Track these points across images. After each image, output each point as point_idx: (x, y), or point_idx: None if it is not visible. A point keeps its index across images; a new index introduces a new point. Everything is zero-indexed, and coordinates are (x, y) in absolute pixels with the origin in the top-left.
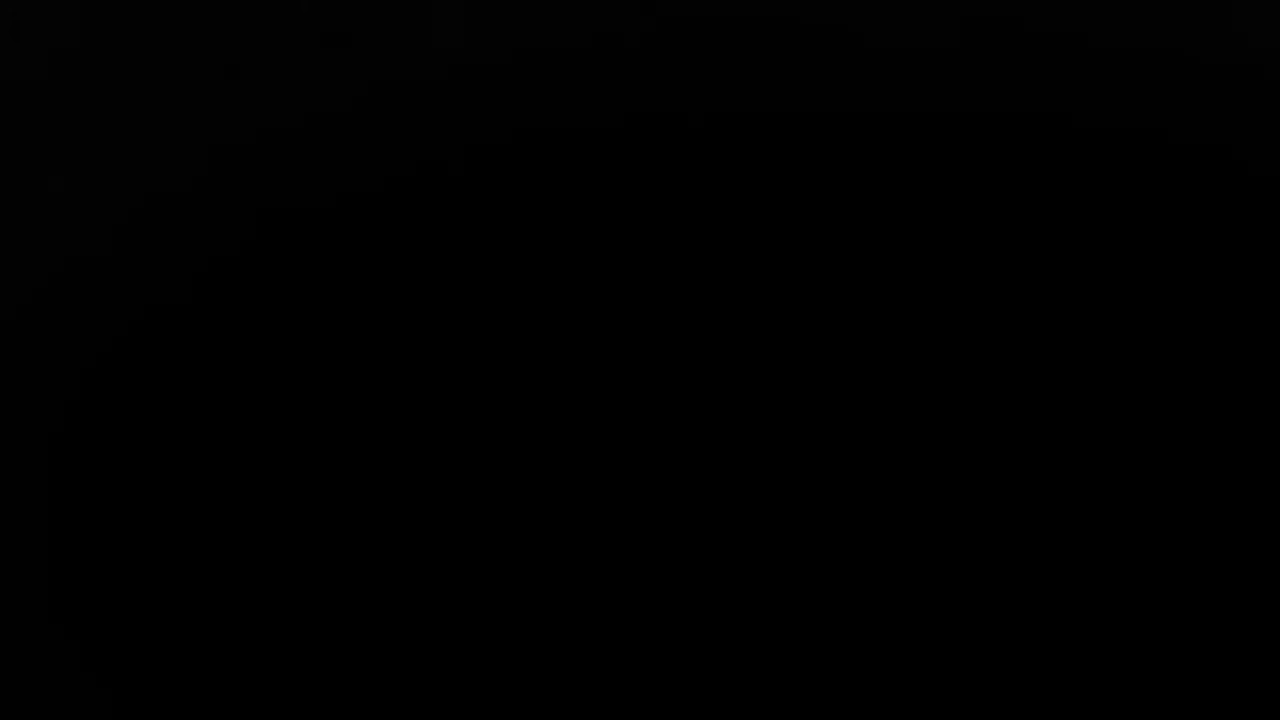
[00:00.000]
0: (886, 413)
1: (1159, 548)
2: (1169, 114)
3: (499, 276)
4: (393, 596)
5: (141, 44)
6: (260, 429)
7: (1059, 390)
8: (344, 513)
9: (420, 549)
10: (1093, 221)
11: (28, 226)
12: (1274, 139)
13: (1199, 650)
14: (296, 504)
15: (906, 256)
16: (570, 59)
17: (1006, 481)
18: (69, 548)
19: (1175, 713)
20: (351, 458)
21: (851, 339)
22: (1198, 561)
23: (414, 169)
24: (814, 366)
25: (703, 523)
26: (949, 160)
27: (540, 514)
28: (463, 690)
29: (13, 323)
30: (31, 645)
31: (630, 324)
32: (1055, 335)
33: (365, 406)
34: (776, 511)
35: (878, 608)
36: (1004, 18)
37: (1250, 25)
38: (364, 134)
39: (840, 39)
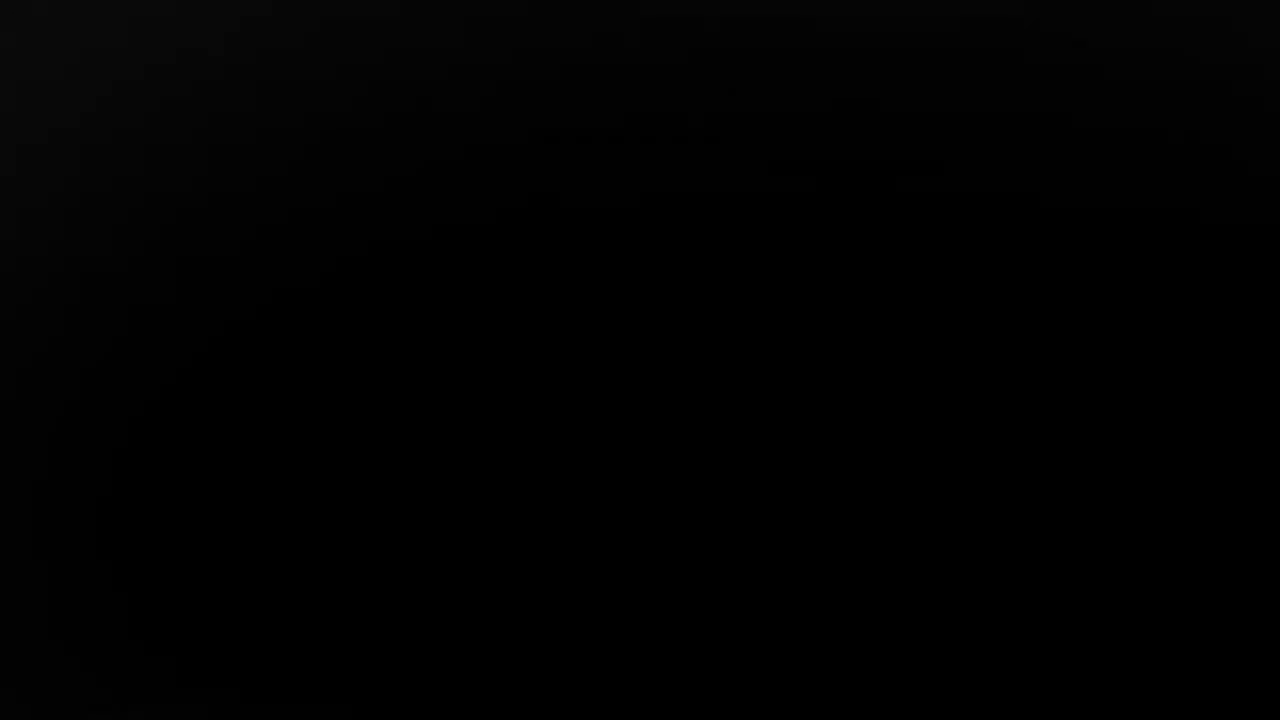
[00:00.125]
0: (886, 412)
1: (1159, 548)
2: (1169, 114)
3: (499, 276)
4: (393, 597)
5: (141, 44)
6: (261, 429)
7: (1059, 391)
8: (344, 513)
9: (420, 549)
10: (1092, 222)
11: (28, 226)
12: (1274, 139)
13: (1199, 650)
14: (296, 504)
15: (906, 256)
16: (570, 59)
17: (1007, 481)
18: (69, 548)
19: (1175, 713)
20: (351, 458)
21: (851, 339)
22: (1198, 562)
23: (414, 169)
24: (814, 366)
25: (703, 523)
26: (949, 160)
27: (541, 514)
28: (463, 691)
29: (13, 323)
30: (32, 645)
31: (630, 324)
32: (1055, 336)
33: (366, 407)
34: (777, 511)
35: (878, 608)
36: (1004, 18)
37: (1250, 25)
38: (364, 134)
39: (840, 39)
